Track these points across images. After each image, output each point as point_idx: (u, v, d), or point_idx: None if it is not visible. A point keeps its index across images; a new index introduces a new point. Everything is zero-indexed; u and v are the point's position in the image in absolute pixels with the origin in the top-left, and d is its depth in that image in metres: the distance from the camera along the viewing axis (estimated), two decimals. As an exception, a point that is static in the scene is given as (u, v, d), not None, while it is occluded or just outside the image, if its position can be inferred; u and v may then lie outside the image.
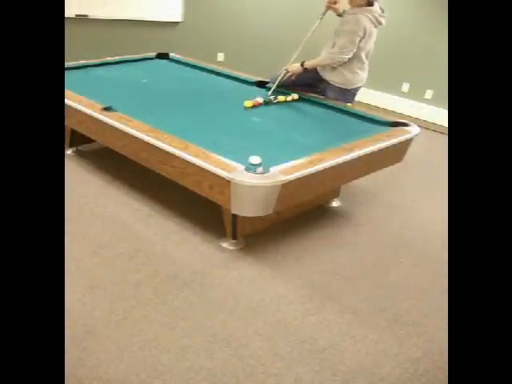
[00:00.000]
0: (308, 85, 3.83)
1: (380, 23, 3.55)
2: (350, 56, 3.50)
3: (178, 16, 6.05)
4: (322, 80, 3.71)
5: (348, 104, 3.66)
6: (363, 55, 3.58)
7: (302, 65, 3.66)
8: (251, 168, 2.45)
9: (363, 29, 3.44)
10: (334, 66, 3.57)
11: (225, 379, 2.00)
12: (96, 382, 1.93)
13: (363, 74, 3.68)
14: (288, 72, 3.72)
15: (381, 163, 3.22)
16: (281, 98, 3.68)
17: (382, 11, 3.55)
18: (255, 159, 2.49)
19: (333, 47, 3.56)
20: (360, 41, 3.48)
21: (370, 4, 3.48)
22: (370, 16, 3.46)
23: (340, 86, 3.65)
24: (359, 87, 3.75)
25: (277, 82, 3.76)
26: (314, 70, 3.72)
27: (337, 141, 2.93)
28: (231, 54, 6.28)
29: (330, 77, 3.66)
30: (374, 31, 3.56)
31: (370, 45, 3.61)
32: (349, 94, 3.70)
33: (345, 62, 3.54)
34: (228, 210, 2.62)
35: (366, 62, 3.66)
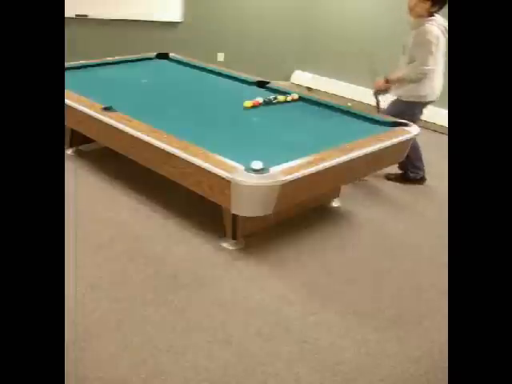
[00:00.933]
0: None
1: (447, 30, 3.48)
2: (430, 67, 3.43)
3: (178, 16, 6.04)
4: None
5: (348, 104, 3.65)
6: (438, 68, 3.53)
7: (386, 80, 3.61)
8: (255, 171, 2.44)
9: (436, 37, 3.40)
10: (416, 79, 3.49)
11: (225, 379, 2.00)
12: (96, 381, 1.93)
13: (429, 89, 3.59)
14: (380, 92, 3.69)
15: (381, 163, 3.22)
16: (281, 97, 3.68)
17: (444, 20, 3.51)
18: (257, 164, 2.47)
19: (409, 62, 3.51)
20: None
21: (432, 14, 3.45)
22: (438, 25, 3.43)
23: (408, 100, 3.61)
24: (429, 102, 3.68)
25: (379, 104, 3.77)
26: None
27: (337, 141, 2.93)
28: (231, 54, 6.28)
29: (395, 92, 3.64)
30: (444, 42, 3.50)
31: (441, 57, 3.52)
32: (417, 107, 3.64)
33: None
34: (228, 210, 2.62)
35: (435, 76, 3.56)
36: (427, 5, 3.41)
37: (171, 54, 4.78)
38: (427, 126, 5.28)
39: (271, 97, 3.64)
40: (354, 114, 3.49)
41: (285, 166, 2.55)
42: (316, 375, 2.06)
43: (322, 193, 3.24)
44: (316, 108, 3.64)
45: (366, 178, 3.78)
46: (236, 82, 4.17)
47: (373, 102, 3.95)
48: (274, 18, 6.24)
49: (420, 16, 3.47)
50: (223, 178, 2.46)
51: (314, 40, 6.13)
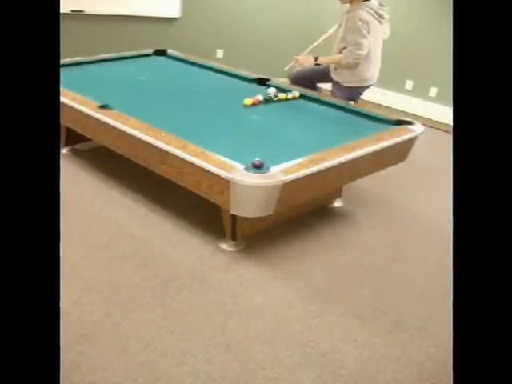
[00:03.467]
0: (316, 81, 3.86)
1: (382, 17, 3.56)
2: (366, 51, 3.51)
3: (176, 11, 6.05)
4: (330, 79, 3.75)
5: (350, 102, 3.66)
6: (372, 52, 3.59)
7: (315, 59, 3.69)
8: (255, 170, 2.45)
9: (365, 22, 3.47)
10: (354, 63, 3.56)
11: (224, 384, 2.00)
12: (92, 386, 1.93)
13: (370, 73, 3.68)
14: (297, 61, 3.75)
15: (384, 162, 3.22)
16: (281, 95, 3.68)
17: (381, 5, 3.58)
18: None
19: (341, 47, 3.57)
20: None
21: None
22: (369, 10, 3.49)
23: (346, 85, 3.66)
24: (367, 86, 3.76)
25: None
26: (327, 70, 3.73)
27: (339, 140, 2.93)
28: (231, 51, 6.28)
29: (336, 76, 3.68)
30: (378, 26, 3.57)
31: (377, 41, 3.62)
32: (355, 92, 3.72)
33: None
34: (227, 210, 2.62)
35: (374, 60, 3.66)
36: None
37: (169, 51, 4.79)
38: (431, 125, 5.29)
39: (272, 94, 3.63)
40: (357, 112, 3.50)
41: (285, 165, 2.55)
42: (317, 380, 2.06)
43: (323, 193, 3.24)
44: (318, 106, 3.64)
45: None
46: (235, 80, 4.17)
47: (376, 100, 3.97)
48: (274, 13, 6.24)
49: (351, 1, 3.54)
50: (222, 178, 2.46)
51: (316, 36, 6.13)
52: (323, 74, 3.83)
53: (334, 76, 3.72)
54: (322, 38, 3.79)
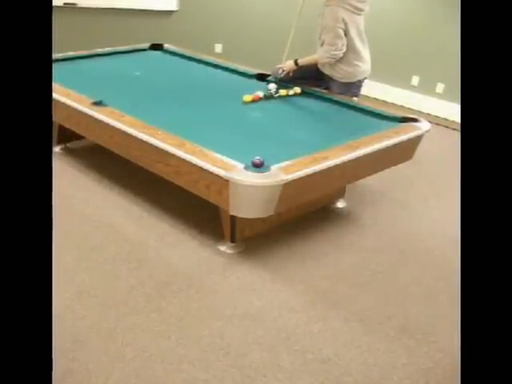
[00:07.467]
0: (310, 78, 3.84)
1: (360, 9, 3.53)
2: (344, 49, 3.50)
3: (173, 4, 6.05)
4: (324, 75, 3.73)
5: (354, 98, 3.66)
6: (357, 46, 3.58)
7: (295, 63, 3.69)
8: (254, 169, 2.45)
9: (341, 21, 3.45)
10: (332, 62, 3.58)
11: (223, 391, 2.00)
12: (86, 394, 1.94)
13: (364, 66, 3.67)
14: (283, 71, 3.75)
15: (389, 161, 3.22)
16: (283, 92, 3.68)
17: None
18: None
19: (322, 44, 3.58)
20: (344, 33, 3.49)
21: None
22: (345, 6, 3.46)
23: (342, 81, 3.66)
24: (363, 79, 3.75)
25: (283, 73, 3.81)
26: (315, 65, 3.73)
27: (342, 138, 2.93)
28: (230, 46, 6.28)
29: (330, 72, 3.68)
30: (358, 19, 3.55)
31: (360, 33, 3.61)
32: (353, 87, 3.71)
33: (341, 57, 3.54)
34: (226, 211, 2.62)
35: (364, 52, 3.65)
36: None
37: (166, 45, 4.79)
38: (438, 122, 5.29)
39: (272, 91, 3.64)
40: (361, 109, 3.50)
41: (287, 164, 2.55)
42: (320, 387, 2.06)
43: (325, 193, 3.24)
44: (320, 103, 3.64)
45: None
46: (235, 75, 4.17)
47: (380, 97, 3.96)
48: (274, 7, 6.24)
49: None
50: (221, 177, 2.46)
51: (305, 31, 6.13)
52: (311, 76, 3.83)
53: (328, 71, 3.70)
54: (289, 40, 3.81)
